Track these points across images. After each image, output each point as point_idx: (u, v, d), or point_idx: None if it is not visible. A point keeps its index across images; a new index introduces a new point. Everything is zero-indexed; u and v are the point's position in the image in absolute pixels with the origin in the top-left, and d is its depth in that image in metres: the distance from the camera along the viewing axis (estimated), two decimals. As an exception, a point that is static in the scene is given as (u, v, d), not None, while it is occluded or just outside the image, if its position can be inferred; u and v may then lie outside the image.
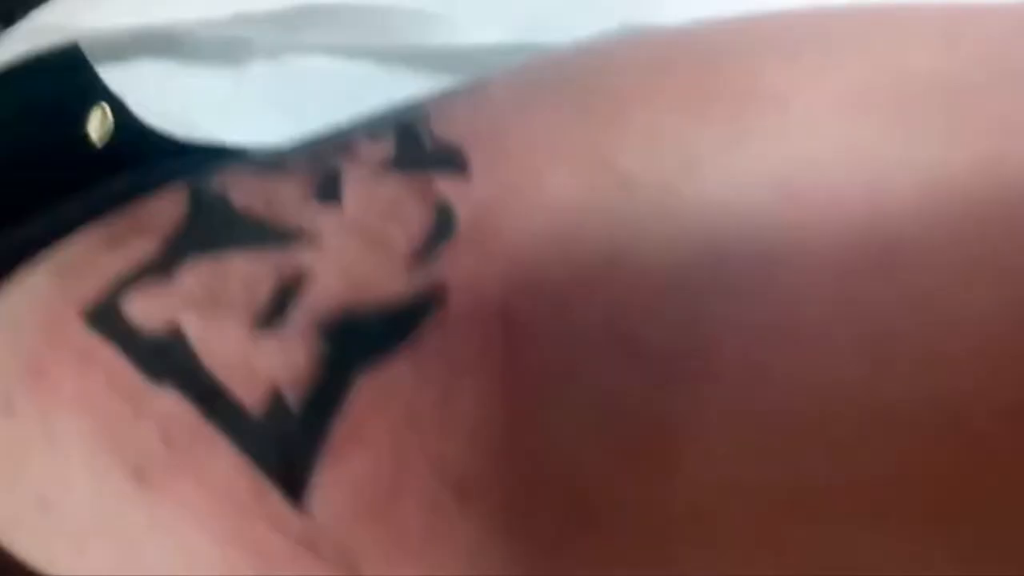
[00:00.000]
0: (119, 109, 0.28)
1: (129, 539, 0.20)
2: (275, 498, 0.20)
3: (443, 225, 0.21)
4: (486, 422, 0.19)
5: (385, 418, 0.20)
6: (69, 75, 0.29)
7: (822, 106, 0.20)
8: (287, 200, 0.22)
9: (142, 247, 0.22)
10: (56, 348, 0.22)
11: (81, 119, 0.28)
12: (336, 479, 0.20)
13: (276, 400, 0.20)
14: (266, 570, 0.20)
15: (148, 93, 0.28)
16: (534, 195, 0.21)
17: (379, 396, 0.20)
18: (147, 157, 0.28)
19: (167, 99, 0.28)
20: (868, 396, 0.18)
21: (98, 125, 0.28)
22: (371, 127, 0.24)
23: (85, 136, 0.28)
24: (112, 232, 0.23)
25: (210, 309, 0.21)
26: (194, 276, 0.22)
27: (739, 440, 0.18)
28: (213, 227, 0.22)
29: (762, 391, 0.18)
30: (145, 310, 0.22)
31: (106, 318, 0.22)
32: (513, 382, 0.19)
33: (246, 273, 0.21)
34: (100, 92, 0.29)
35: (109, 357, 0.21)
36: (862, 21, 0.23)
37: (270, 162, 0.24)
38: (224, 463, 0.20)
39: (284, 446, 0.20)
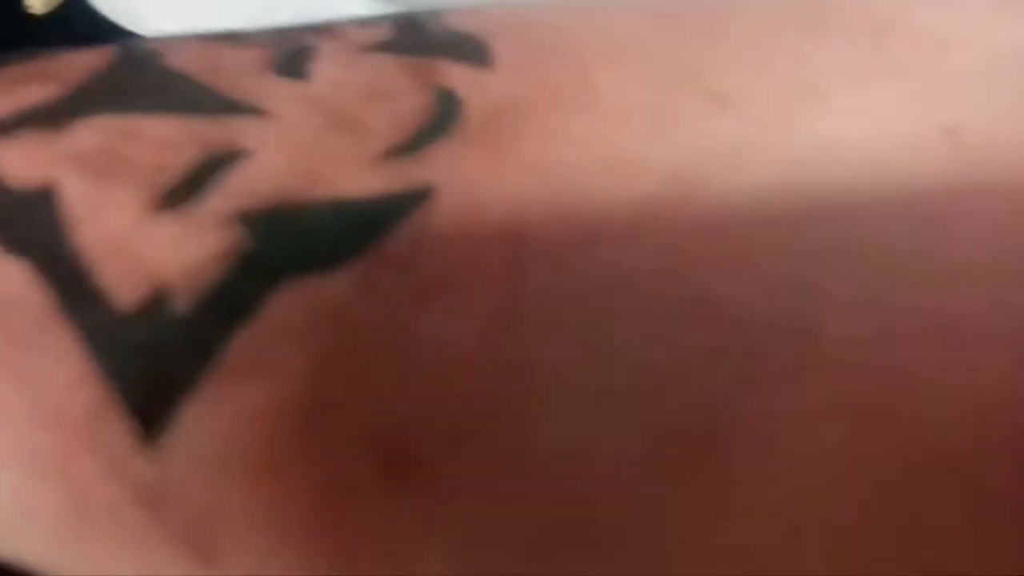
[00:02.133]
0: None
1: None
2: (120, 427, 0.14)
3: (443, 116, 0.15)
4: (456, 371, 0.13)
5: (309, 343, 0.14)
6: None
7: (992, 54, 0.15)
8: (237, 70, 0.17)
9: (36, 93, 0.17)
10: None
11: None
12: (214, 415, 0.14)
13: (157, 296, 0.14)
14: (82, 525, 0.14)
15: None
16: (579, 96, 0.15)
17: (308, 314, 0.14)
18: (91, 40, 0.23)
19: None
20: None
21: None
22: (361, 19, 0.19)
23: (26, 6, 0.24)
24: (5, 75, 0.18)
25: (103, 175, 0.16)
26: (92, 133, 0.16)
27: (832, 453, 0.12)
28: (135, 84, 0.17)
29: (882, 398, 0.13)
30: (18, 162, 0.16)
31: None
32: (513, 330, 0.13)
33: (161, 139, 0.16)
34: None
35: None
36: None
37: (226, 35, 0.19)
38: (65, 367, 0.14)
39: (152, 358, 0.14)
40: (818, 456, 0.13)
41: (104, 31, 0.23)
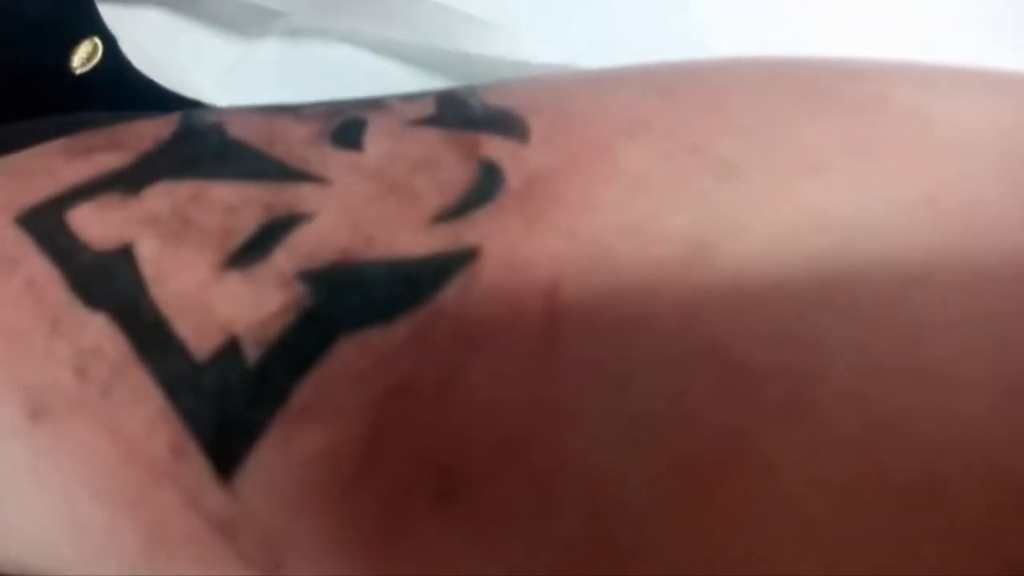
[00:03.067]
0: (111, 47, 0.25)
1: (1, 488, 0.16)
2: (198, 465, 0.15)
3: (486, 185, 0.17)
4: (499, 411, 0.15)
5: (367, 390, 0.15)
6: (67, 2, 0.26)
7: (971, 129, 0.17)
8: (295, 140, 0.19)
9: (111, 160, 0.19)
10: None
11: (68, 47, 0.25)
12: (282, 456, 0.15)
13: (230, 347, 0.16)
14: (161, 554, 0.15)
15: (146, 40, 0.25)
16: (604, 169, 0.17)
17: (366, 365, 0.15)
18: (130, 100, 0.25)
19: (166, 50, 0.25)
20: (1006, 463, 0.14)
21: (85, 57, 0.25)
22: (405, 95, 0.20)
23: (69, 65, 0.25)
24: (79, 143, 0.19)
25: (175, 236, 0.17)
26: (164, 198, 0.18)
27: (826, 481, 0.14)
28: (200, 152, 0.19)
29: (870, 435, 0.14)
30: (96, 224, 0.17)
31: (45, 223, 0.17)
32: (548, 371, 0.15)
33: (228, 203, 0.17)
34: (95, 25, 0.26)
35: (37, 267, 0.17)
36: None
37: (281, 108, 0.20)
38: (144, 411, 0.16)
39: (226, 403, 0.15)
40: (815, 485, 0.14)
41: (144, 89, 0.25)
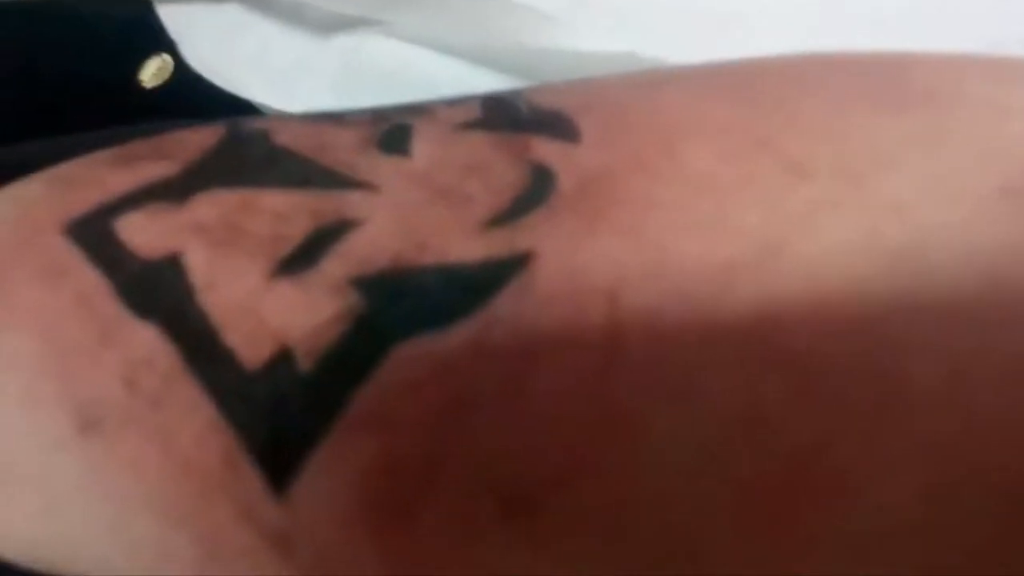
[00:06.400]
0: (180, 62, 0.26)
1: (54, 499, 0.15)
2: (252, 478, 0.15)
3: (539, 187, 0.16)
4: (563, 424, 0.14)
5: (424, 400, 0.15)
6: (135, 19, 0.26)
7: None
8: (342, 147, 0.18)
9: (157, 169, 0.18)
10: (25, 257, 0.17)
11: (137, 63, 0.25)
12: (339, 467, 0.15)
13: (282, 357, 0.15)
14: (216, 568, 0.15)
15: (211, 41, 0.25)
16: (666, 168, 0.16)
17: (422, 373, 0.15)
18: (202, 112, 0.25)
19: (229, 52, 0.25)
20: None
21: (154, 73, 0.25)
22: (449, 99, 0.20)
23: (138, 80, 0.26)
24: (127, 152, 0.19)
25: (224, 245, 0.17)
26: (212, 206, 0.17)
27: (919, 490, 0.13)
28: (247, 160, 0.18)
29: (963, 438, 0.13)
30: (144, 234, 0.17)
31: (93, 233, 0.17)
32: (612, 384, 0.14)
33: (277, 210, 0.17)
34: (163, 42, 0.26)
35: (86, 277, 0.17)
36: None
37: (326, 115, 0.20)
38: (196, 423, 0.15)
39: (279, 414, 0.15)
40: (906, 496, 0.14)
41: (214, 100, 0.25)
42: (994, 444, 0.14)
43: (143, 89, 0.25)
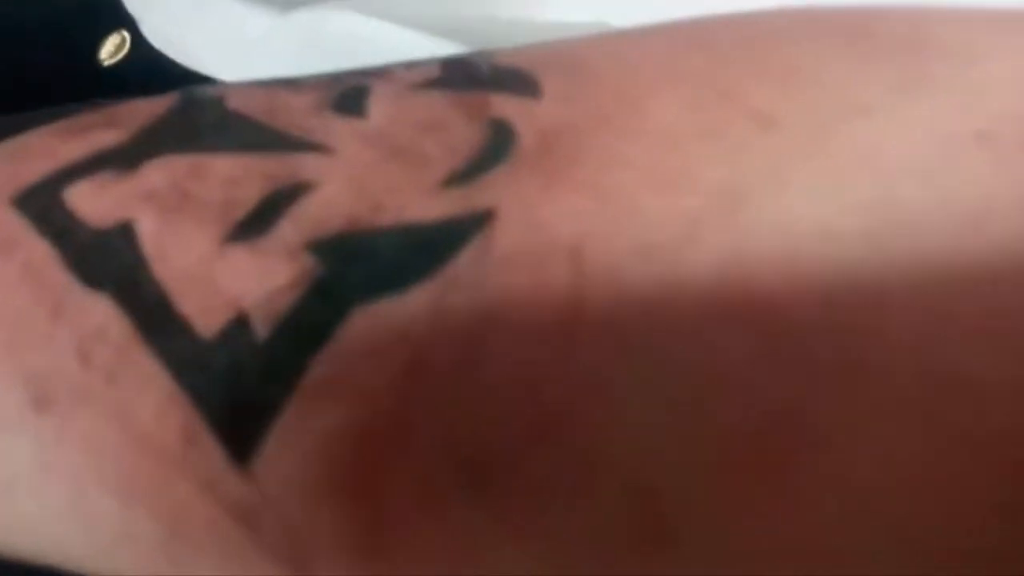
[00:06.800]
0: (138, 38, 0.25)
1: (8, 479, 0.15)
2: (213, 451, 0.15)
3: (498, 145, 0.16)
4: (527, 389, 0.14)
5: (386, 365, 0.14)
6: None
7: (1012, 61, 0.16)
8: (296, 110, 0.18)
9: (108, 137, 0.18)
10: None
11: (96, 40, 0.25)
12: (301, 436, 0.14)
13: (238, 323, 0.15)
14: (180, 546, 0.14)
15: (170, 17, 0.25)
16: (630, 123, 0.16)
17: (382, 337, 0.15)
18: (161, 88, 0.24)
19: (191, 27, 0.24)
20: None
21: (112, 50, 0.25)
22: (409, 63, 0.20)
23: (97, 57, 0.25)
24: (78, 123, 0.19)
25: (175, 211, 0.16)
26: (163, 172, 0.17)
27: (890, 451, 0.13)
28: (199, 125, 0.18)
29: (938, 394, 0.13)
30: (94, 202, 0.17)
31: (42, 203, 0.17)
32: (576, 343, 0.14)
33: (229, 175, 0.17)
34: (122, 18, 0.25)
35: (35, 247, 0.16)
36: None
37: (282, 81, 0.20)
38: (153, 396, 0.15)
39: (238, 384, 0.15)
40: (875, 456, 0.13)
41: (174, 77, 0.25)
42: (972, 402, 0.13)
43: (102, 66, 0.25)
